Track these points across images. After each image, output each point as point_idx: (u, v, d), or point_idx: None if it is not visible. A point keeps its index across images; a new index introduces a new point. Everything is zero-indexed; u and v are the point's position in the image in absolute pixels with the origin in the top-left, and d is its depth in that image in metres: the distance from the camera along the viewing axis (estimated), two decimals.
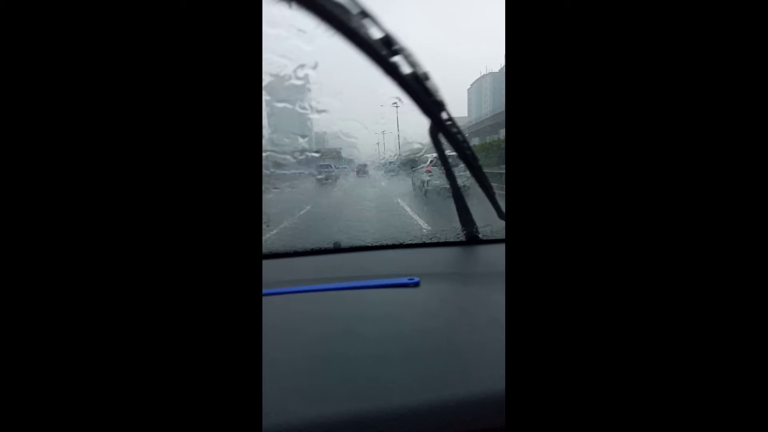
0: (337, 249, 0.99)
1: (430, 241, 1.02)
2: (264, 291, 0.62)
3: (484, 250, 0.98)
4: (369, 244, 0.99)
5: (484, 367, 0.42)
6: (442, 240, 1.02)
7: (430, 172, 6.61)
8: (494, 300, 0.63)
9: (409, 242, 1.00)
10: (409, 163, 13.36)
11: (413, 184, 7.91)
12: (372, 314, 0.59)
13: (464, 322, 0.56)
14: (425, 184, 6.58)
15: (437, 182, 6.56)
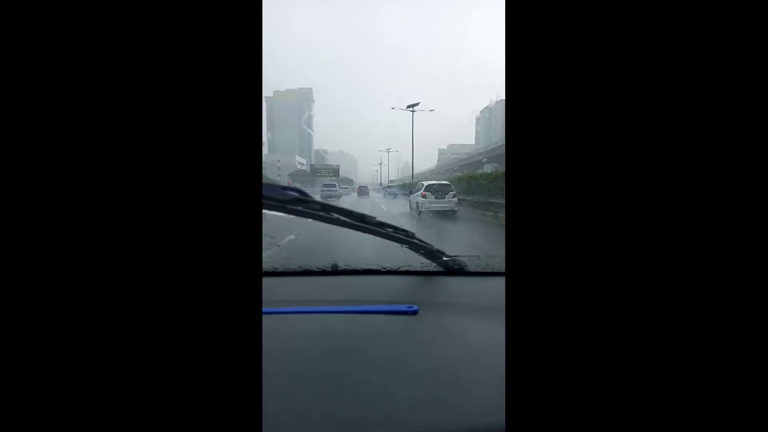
0: (337, 271, 0.99)
1: (430, 269, 1.00)
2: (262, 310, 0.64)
3: (485, 282, 0.95)
4: (369, 268, 1.00)
5: (482, 398, 0.42)
6: (443, 269, 0.99)
7: (425, 196, 7.72)
8: (493, 332, 0.64)
9: (410, 270, 1.00)
10: (408, 187, 14.62)
11: (410, 204, 9.02)
12: (370, 339, 0.59)
13: (462, 353, 0.56)
14: (419, 206, 7.68)
15: (430, 206, 7.68)
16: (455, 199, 8.00)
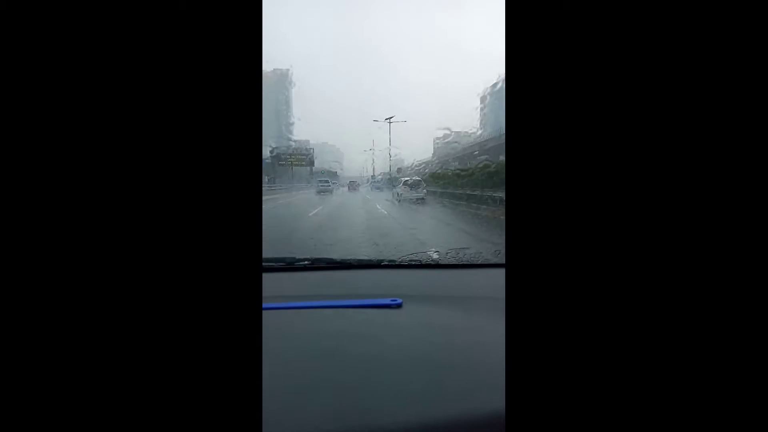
0: (321, 266, 1.01)
1: (414, 262, 1.03)
2: None
3: (468, 274, 1.00)
4: (353, 263, 1.04)
5: (471, 388, 0.44)
6: (426, 262, 1.03)
7: (403, 188, 10.80)
8: (477, 323, 0.66)
9: (394, 263, 1.03)
10: (391, 181, 17.87)
11: (392, 194, 12.15)
12: (355, 334, 0.61)
13: (446, 345, 0.57)
14: (399, 196, 10.79)
15: (407, 195, 10.70)
16: (425, 190, 11.51)
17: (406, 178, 12.88)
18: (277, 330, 0.62)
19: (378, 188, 21.84)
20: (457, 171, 13.05)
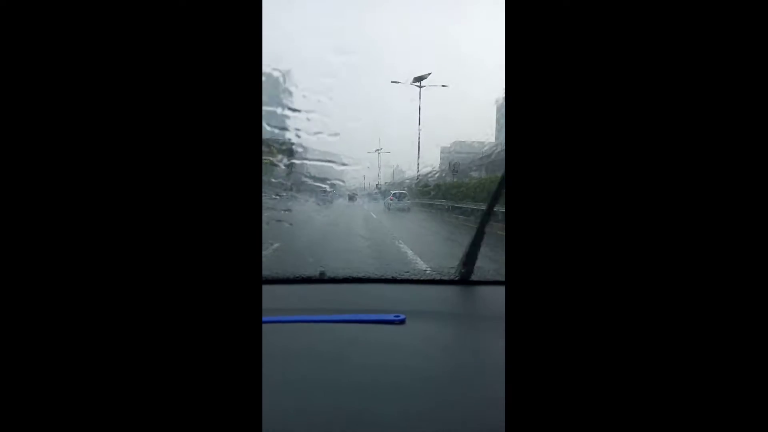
0: (324, 279, 1.04)
1: (419, 278, 1.05)
2: None
3: (474, 291, 1.00)
4: (356, 276, 1.05)
5: (470, 408, 0.44)
6: (431, 278, 1.05)
7: (391, 200, 14.21)
8: (481, 342, 0.66)
9: (398, 278, 1.05)
10: (382, 193, 21.59)
11: (384, 204, 15.64)
12: (358, 350, 0.61)
13: (449, 362, 0.58)
14: (389, 206, 14.20)
15: (395, 205, 14.00)
16: (408, 201, 15.12)
17: (394, 191, 16.84)
18: (280, 344, 0.64)
19: (374, 199, 24.85)
20: (428, 185, 16.30)
